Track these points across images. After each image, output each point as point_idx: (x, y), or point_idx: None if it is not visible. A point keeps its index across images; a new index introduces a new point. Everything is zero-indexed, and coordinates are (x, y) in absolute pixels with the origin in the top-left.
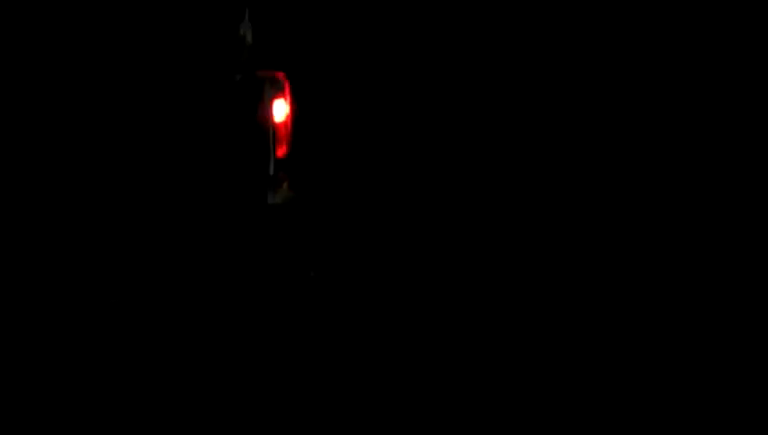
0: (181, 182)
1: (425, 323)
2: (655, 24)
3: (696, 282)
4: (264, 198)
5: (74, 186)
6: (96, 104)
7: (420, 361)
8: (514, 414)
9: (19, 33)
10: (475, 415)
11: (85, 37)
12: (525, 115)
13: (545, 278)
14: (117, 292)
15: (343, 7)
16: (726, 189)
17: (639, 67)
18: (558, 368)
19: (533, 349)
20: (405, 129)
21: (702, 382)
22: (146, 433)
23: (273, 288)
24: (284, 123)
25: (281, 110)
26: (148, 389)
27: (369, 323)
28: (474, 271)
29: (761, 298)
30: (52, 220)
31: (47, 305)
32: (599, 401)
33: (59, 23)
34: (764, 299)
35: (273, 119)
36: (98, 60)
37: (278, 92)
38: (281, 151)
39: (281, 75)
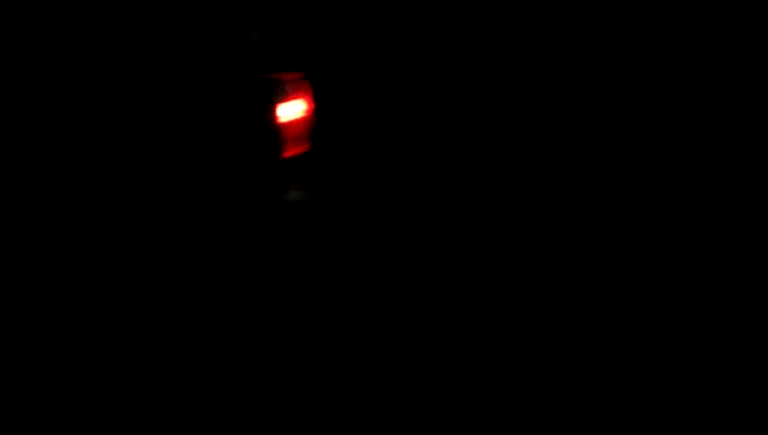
0: (183, 180)
1: (428, 320)
2: (655, 23)
3: (696, 282)
4: (269, 197)
5: (85, 187)
6: (96, 105)
7: (421, 360)
8: (514, 414)
9: (26, 36)
10: (476, 415)
11: (90, 39)
12: (549, 110)
13: (546, 278)
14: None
15: (356, 7)
16: (726, 189)
17: (640, 67)
18: (558, 368)
19: (534, 349)
20: (419, 126)
21: (702, 382)
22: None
23: (280, 283)
24: (293, 124)
25: (289, 111)
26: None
27: (374, 319)
28: (481, 269)
29: (761, 298)
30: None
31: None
32: (599, 401)
33: (69, 24)
34: (764, 299)
35: (278, 120)
36: (101, 62)
37: (286, 94)
38: (290, 152)
39: (298, 76)
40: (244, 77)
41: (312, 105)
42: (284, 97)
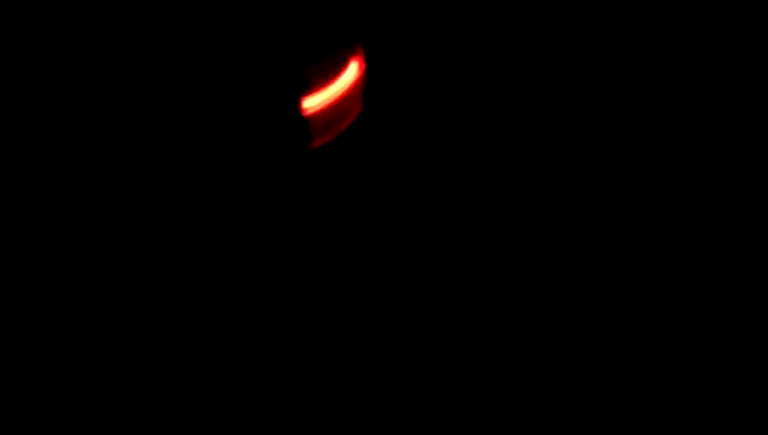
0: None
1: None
2: (655, 24)
3: (696, 282)
4: (291, 188)
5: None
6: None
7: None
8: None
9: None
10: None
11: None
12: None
13: (547, 278)
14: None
15: None
16: (726, 189)
17: (639, 67)
18: (558, 368)
19: (534, 349)
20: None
21: (702, 382)
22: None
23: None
24: (320, 113)
25: (315, 101)
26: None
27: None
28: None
29: (761, 298)
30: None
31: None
32: (599, 401)
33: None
34: (764, 299)
35: (304, 110)
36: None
37: (317, 83)
38: (316, 143)
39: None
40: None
41: (364, 66)
42: (315, 87)
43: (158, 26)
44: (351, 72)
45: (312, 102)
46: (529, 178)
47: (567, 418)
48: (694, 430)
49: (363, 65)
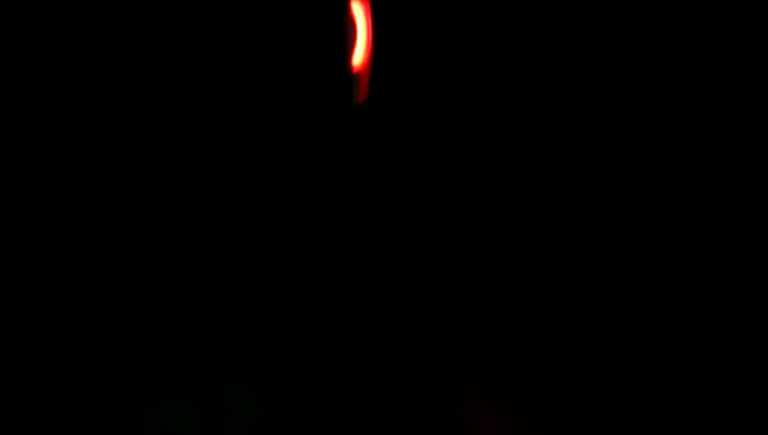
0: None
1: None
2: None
3: (695, 282)
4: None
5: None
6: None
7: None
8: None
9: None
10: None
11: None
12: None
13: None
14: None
15: None
16: (726, 190)
17: (640, 67)
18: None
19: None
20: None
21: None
22: None
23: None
24: (364, 66)
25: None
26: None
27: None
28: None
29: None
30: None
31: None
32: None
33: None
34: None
35: (353, 65)
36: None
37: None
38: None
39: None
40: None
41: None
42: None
43: None
44: (361, 17)
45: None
46: (529, 176)
47: (567, 418)
48: (694, 430)
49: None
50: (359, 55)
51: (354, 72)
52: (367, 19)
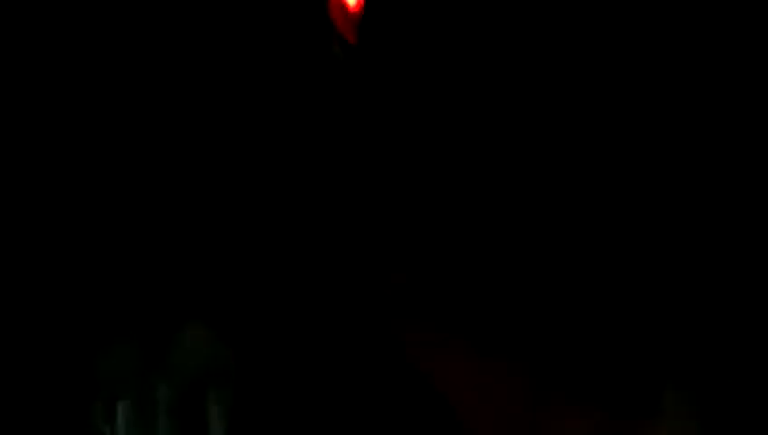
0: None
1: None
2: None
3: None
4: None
5: None
6: None
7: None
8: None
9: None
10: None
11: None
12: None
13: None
14: None
15: None
16: (726, 190)
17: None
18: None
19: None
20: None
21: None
22: None
23: None
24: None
25: None
26: None
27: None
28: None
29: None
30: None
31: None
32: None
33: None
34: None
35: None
36: None
37: None
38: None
39: None
40: None
41: None
42: None
43: None
44: None
45: None
46: (528, 173)
47: (567, 418)
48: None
49: None
50: None
51: (349, 11)
52: None
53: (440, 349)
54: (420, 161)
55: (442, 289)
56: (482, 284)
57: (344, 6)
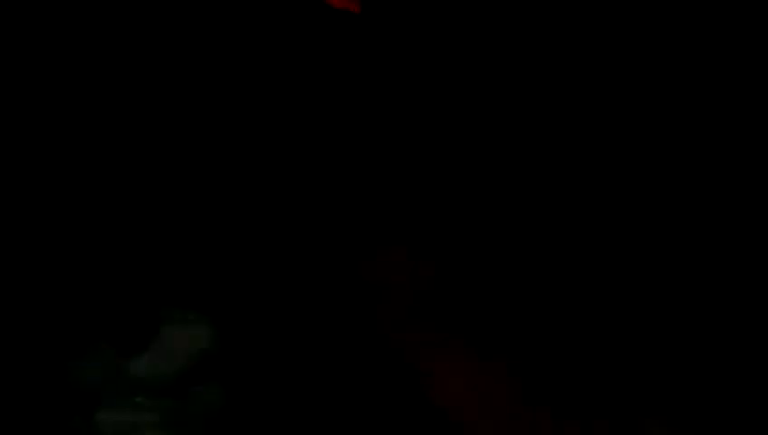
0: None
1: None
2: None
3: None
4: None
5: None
6: None
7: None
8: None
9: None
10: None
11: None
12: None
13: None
14: None
15: None
16: (726, 190)
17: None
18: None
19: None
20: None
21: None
22: None
23: None
24: None
25: None
26: None
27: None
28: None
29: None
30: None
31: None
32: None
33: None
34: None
35: None
36: None
37: None
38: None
39: None
40: None
41: None
42: None
43: None
44: None
45: None
46: (527, 171)
47: (567, 418)
48: (694, 430)
49: None
50: None
51: None
52: None
53: (440, 349)
54: (420, 160)
55: (442, 289)
56: (481, 284)
57: None
